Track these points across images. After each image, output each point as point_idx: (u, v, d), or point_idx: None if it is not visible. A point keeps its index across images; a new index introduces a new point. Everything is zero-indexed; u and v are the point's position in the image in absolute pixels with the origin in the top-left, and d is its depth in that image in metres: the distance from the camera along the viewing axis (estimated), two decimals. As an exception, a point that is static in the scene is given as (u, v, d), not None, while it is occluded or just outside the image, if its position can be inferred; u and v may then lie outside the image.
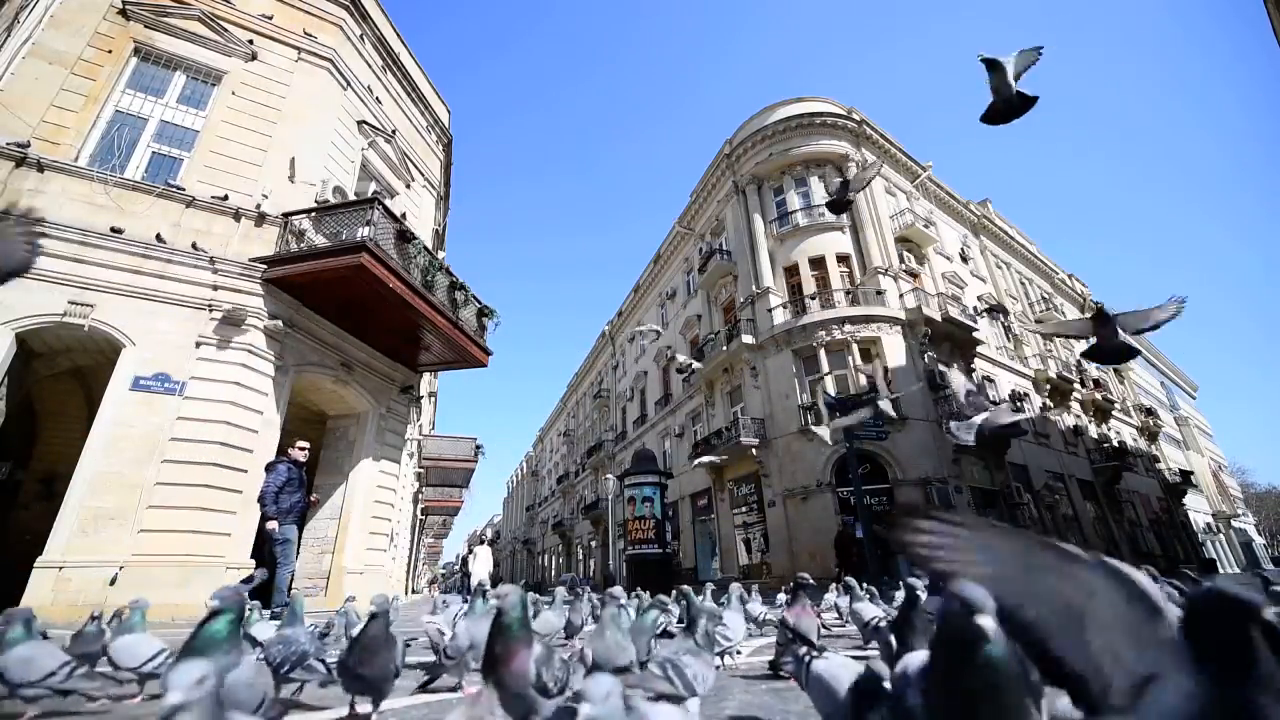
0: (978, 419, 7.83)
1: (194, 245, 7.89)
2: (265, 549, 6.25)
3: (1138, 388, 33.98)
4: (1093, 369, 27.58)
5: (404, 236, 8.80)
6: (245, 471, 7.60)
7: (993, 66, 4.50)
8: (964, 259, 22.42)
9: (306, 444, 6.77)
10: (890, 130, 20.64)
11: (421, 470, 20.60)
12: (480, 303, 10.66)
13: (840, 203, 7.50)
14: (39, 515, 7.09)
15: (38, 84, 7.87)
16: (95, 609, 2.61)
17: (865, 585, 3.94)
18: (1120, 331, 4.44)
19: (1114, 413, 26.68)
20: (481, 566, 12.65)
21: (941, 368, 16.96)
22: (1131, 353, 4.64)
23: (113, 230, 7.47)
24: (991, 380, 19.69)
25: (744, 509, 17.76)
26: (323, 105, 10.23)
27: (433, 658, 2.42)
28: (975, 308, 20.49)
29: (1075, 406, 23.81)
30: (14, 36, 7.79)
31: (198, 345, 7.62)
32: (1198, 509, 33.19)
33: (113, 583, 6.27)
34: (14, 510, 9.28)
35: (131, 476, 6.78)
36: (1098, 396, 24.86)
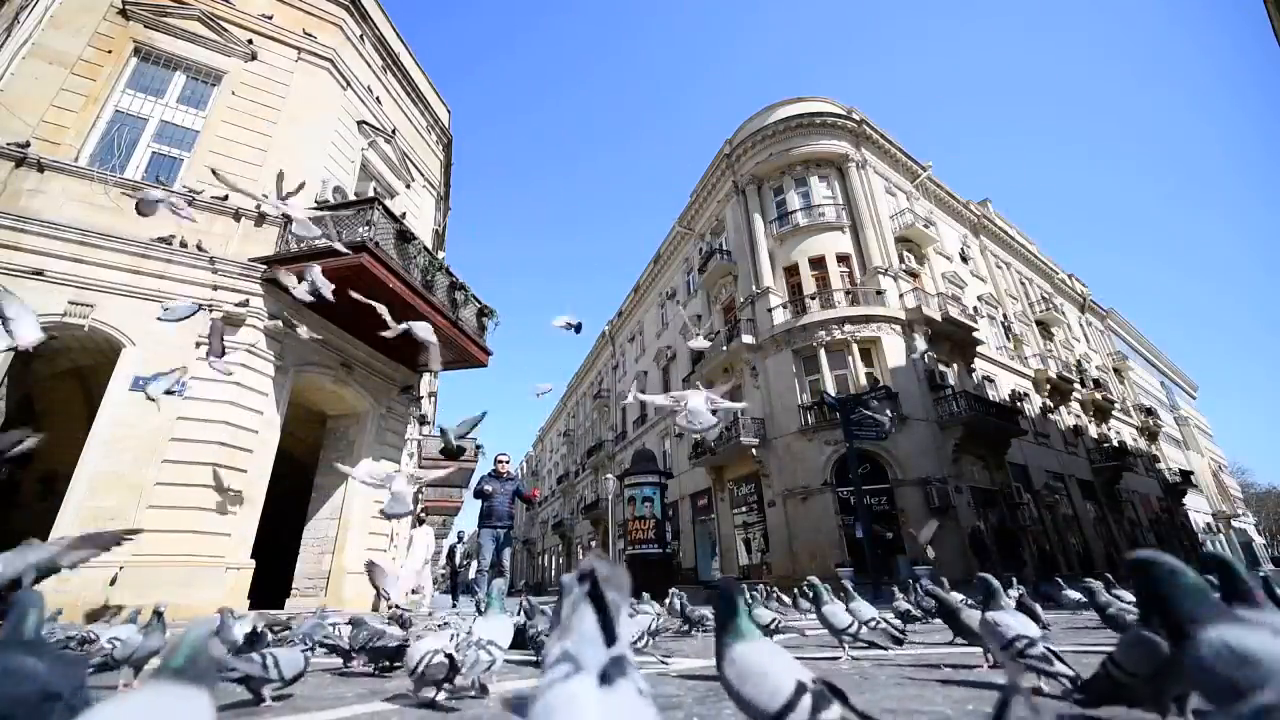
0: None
1: (199, 246, 7.89)
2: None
3: (1138, 388, 33.97)
4: (1092, 369, 27.58)
5: (404, 237, 8.80)
6: (245, 471, 7.60)
7: None
8: (964, 259, 22.42)
9: (505, 455, 6.89)
10: (890, 130, 20.65)
11: (422, 470, 20.61)
12: (480, 303, 10.67)
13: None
14: (39, 515, 7.08)
15: (38, 84, 7.88)
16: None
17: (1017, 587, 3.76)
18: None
19: (1114, 413, 26.68)
20: (419, 555, 9.20)
21: (942, 368, 16.98)
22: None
23: (180, 244, 7.58)
24: (991, 380, 19.69)
25: (744, 509, 17.76)
26: (323, 105, 10.23)
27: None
28: (975, 308, 20.51)
29: (1075, 406, 23.81)
30: (14, 36, 7.79)
31: (198, 345, 7.62)
32: (1198, 509, 33.19)
33: (113, 583, 6.27)
34: (14, 510, 9.27)
35: (131, 476, 6.78)
36: (1098, 396, 24.85)
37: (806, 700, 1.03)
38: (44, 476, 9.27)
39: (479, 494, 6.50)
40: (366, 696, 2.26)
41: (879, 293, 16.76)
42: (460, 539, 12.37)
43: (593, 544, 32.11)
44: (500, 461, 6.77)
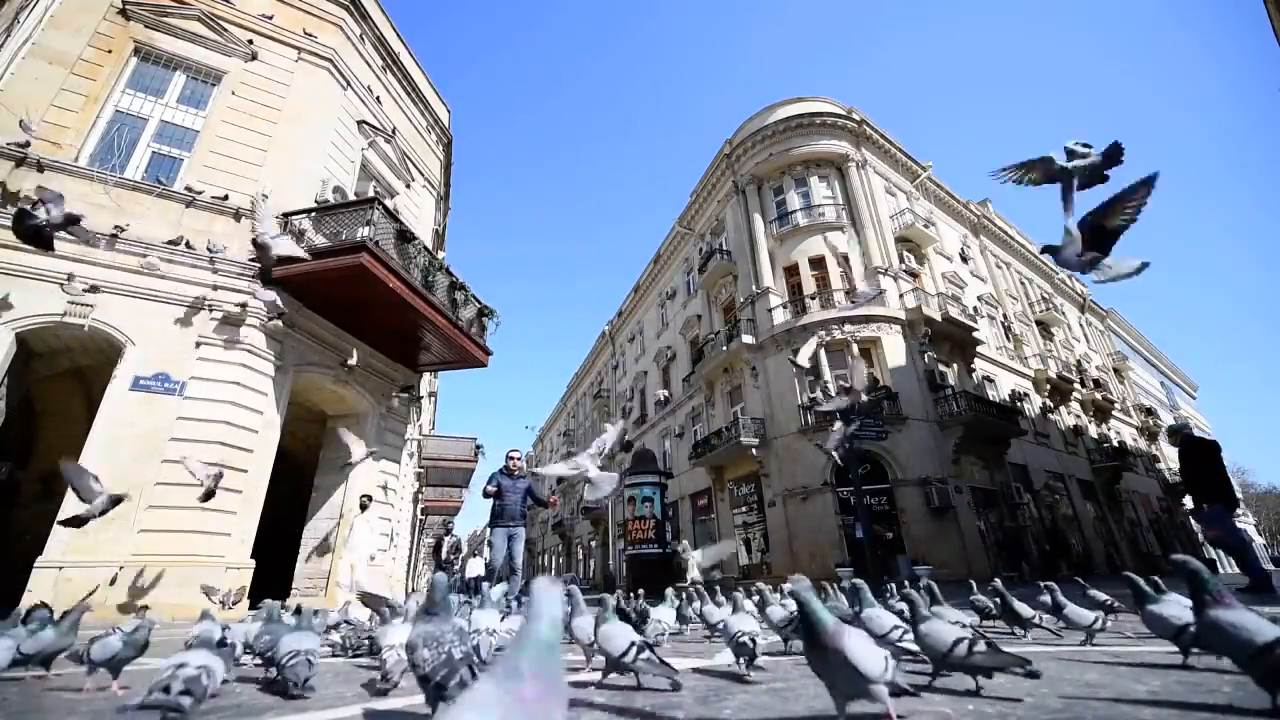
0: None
1: (208, 247, 7.87)
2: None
3: (1138, 388, 33.96)
4: (1093, 369, 27.56)
5: (404, 236, 8.80)
6: (245, 471, 7.60)
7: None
8: (964, 259, 22.41)
9: (516, 452, 6.68)
10: (890, 130, 20.65)
11: (421, 470, 20.60)
12: (480, 303, 10.67)
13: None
14: (39, 515, 7.10)
15: (38, 84, 7.88)
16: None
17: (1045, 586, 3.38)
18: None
19: (1114, 413, 26.67)
20: (358, 549, 7.52)
21: (942, 368, 16.98)
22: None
23: (185, 245, 7.50)
24: (991, 380, 19.69)
25: (744, 509, 17.76)
26: (323, 105, 10.24)
27: None
28: (975, 308, 20.51)
29: (1075, 406, 23.80)
30: (14, 36, 7.79)
31: (198, 345, 7.62)
32: (1198, 509, 33.14)
33: (113, 583, 6.28)
34: (14, 510, 9.28)
35: (131, 476, 6.77)
36: (1098, 396, 24.84)
37: (634, 650, 2.01)
38: (44, 476, 9.28)
39: (488, 493, 6.37)
40: (367, 696, 2.26)
41: (879, 293, 16.76)
42: (448, 531, 12.14)
43: (593, 544, 32.13)
44: (511, 459, 6.65)
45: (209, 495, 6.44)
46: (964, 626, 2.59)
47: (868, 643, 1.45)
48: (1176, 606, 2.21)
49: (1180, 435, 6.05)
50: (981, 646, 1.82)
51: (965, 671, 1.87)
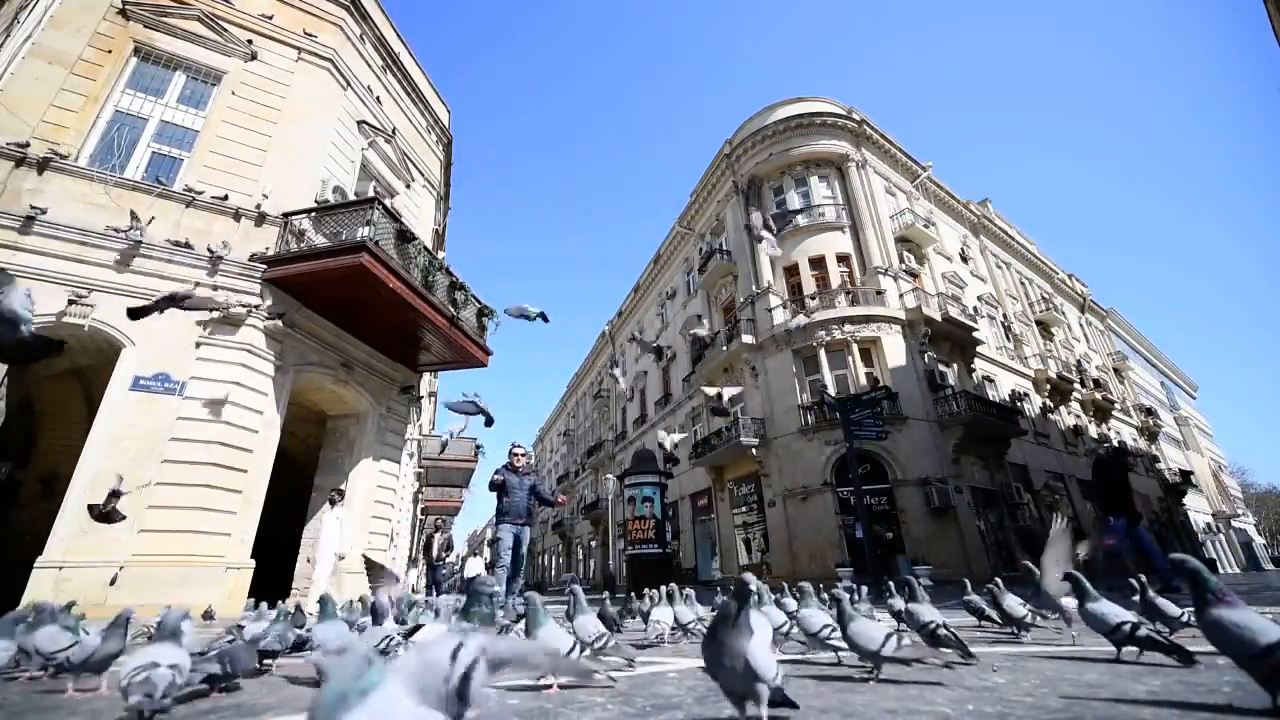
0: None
1: (209, 248, 7.86)
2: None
3: (1138, 388, 33.96)
4: (1092, 369, 27.56)
5: (404, 236, 8.81)
6: (245, 471, 7.60)
7: None
8: (964, 259, 22.41)
9: (521, 448, 6.59)
10: (890, 130, 20.66)
11: (421, 470, 20.63)
12: (480, 303, 10.67)
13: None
14: (39, 515, 7.09)
15: (38, 84, 7.88)
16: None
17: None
18: None
19: (1114, 413, 26.66)
20: (325, 544, 7.65)
21: (941, 367, 16.98)
22: None
23: (185, 245, 7.46)
24: (991, 380, 19.69)
25: (744, 509, 17.76)
26: (323, 105, 10.24)
27: None
28: (975, 308, 20.51)
29: (1075, 406, 23.80)
30: (14, 36, 7.79)
31: (198, 345, 7.62)
32: (1198, 509, 33.14)
33: (113, 583, 6.28)
34: (14, 510, 9.28)
35: (132, 476, 6.78)
36: (1098, 396, 24.85)
37: (602, 638, 2.35)
38: (44, 476, 9.28)
39: (494, 486, 6.27)
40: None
41: (879, 293, 16.76)
42: (438, 529, 11.96)
43: (593, 544, 32.13)
44: (515, 455, 6.53)
45: (104, 516, 5.98)
46: (930, 623, 2.64)
47: (765, 647, 1.46)
48: (1112, 606, 2.33)
49: (1094, 454, 7.24)
50: (908, 641, 2.05)
51: (897, 664, 2.05)
